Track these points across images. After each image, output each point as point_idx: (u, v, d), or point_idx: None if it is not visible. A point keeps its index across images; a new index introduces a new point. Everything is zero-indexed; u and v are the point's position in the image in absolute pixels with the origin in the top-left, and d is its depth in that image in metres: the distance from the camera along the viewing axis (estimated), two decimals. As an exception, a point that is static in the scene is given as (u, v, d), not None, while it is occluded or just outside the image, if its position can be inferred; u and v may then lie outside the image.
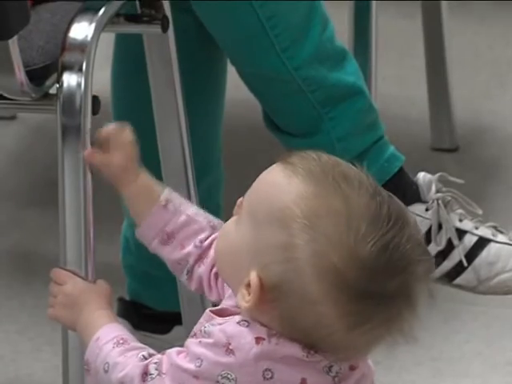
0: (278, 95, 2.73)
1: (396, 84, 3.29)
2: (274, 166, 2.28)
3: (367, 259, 2.16)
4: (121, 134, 2.50)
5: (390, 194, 2.26)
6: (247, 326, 2.22)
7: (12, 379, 2.85)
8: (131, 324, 2.84)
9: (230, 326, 2.24)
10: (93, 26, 2.52)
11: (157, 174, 2.67)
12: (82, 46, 2.51)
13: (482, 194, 3.02)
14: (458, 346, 2.81)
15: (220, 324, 2.25)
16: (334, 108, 2.72)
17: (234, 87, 2.97)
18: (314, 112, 2.66)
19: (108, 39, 2.81)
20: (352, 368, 2.31)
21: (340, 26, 2.88)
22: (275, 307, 2.21)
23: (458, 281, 2.73)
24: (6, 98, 2.53)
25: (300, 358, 2.23)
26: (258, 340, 2.22)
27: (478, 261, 2.74)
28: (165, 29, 2.64)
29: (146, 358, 2.26)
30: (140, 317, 2.83)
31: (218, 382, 2.22)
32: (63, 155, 2.43)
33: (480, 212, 2.73)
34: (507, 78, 3.92)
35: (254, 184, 2.29)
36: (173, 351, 2.26)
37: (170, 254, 2.46)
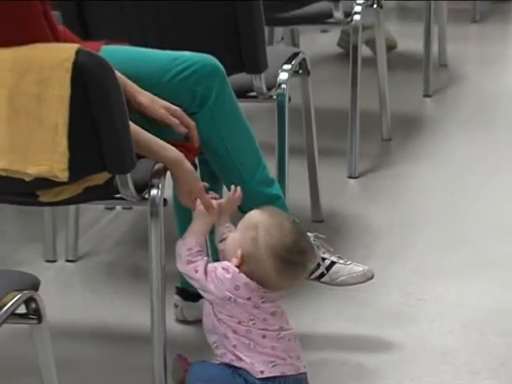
0: (244, 198, 2.48)
1: (299, 193, 3.17)
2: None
3: (287, 245, 2.26)
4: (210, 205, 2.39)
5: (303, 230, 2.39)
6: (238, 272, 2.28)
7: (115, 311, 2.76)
8: (182, 297, 2.74)
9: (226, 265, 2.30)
10: (162, 168, 2.37)
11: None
12: (158, 176, 2.35)
13: (334, 243, 2.92)
14: (316, 306, 2.78)
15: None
16: None
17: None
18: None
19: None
20: (273, 301, 2.33)
21: (272, 168, 2.77)
22: (246, 265, 2.27)
23: (322, 280, 2.67)
24: (125, 199, 2.39)
25: (253, 287, 2.28)
26: (232, 270, 2.29)
27: (331, 271, 2.68)
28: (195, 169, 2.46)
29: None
30: (186, 294, 2.73)
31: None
32: (151, 225, 2.35)
33: (332, 249, 2.69)
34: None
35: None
36: (215, 267, 2.31)
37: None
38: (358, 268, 2.74)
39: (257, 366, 2.28)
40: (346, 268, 2.74)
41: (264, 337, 2.29)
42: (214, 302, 2.30)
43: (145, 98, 2.46)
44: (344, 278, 2.72)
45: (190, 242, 2.33)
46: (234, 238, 2.33)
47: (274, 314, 2.31)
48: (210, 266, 2.31)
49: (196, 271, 2.31)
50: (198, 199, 2.36)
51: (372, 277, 2.74)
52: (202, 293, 2.33)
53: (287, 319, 2.35)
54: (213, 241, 2.52)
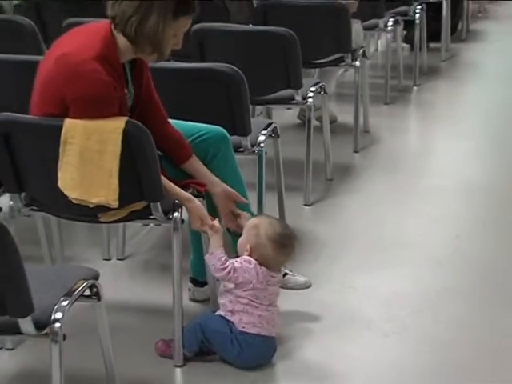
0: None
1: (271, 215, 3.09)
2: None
3: (279, 233, 2.21)
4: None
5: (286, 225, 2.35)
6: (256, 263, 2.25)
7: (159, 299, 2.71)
8: (193, 284, 2.67)
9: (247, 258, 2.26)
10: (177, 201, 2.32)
11: None
12: (178, 205, 2.30)
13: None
14: (286, 301, 2.65)
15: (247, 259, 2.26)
16: None
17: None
18: None
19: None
20: (274, 285, 2.32)
21: (254, 198, 2.77)
22: (254, 253, 2.22)
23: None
24: (156, 219, 2.30)
25: (266, 273, 2.27)
26: (253, 263, 2.26)
27: (284, 279, 2.60)
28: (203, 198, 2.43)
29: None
30: (196, 282, 2.68)
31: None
32: (173, 236, 2.29)
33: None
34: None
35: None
36: (241, 263, 2.26)
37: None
38: (301, 279, 2.73)
39: (242, 323, 2.27)
40: (293, 278, 2.72)
41: (257, 307, 2.28)
42: (237, 285, 2.28)
43: (219, 188, 2.43)
44: (291, 284, 2.71)
45: (217, 254, 2.28)
46: (242, 239, 2.32)
47: (271, 294, 2.31)
48: (236, 263, 2.27)
49: (229, 272, 2.26)
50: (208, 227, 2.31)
51: (310, 286, 2.72)
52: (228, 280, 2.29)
53: (277, 299, 2.36)
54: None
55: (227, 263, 2.27)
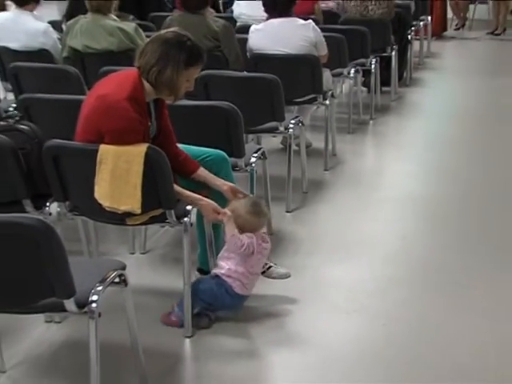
0: None
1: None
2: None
3: (250, 206, 2.20)
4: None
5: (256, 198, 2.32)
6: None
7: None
8: (199, 273, 2.61)
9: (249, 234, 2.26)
10: (190, 208, 2.31)
11: None
12: (187, 212, 2.27)
13: (278, 246, 2.80)
14: (261, 283, 2.63)
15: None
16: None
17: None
18: None
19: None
20: (264, 255, 2.33)
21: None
22: (245, 230, 2.21)
23: (264, 274, 2.55)
24: (170, 223, 2.28)
25: (260, 243, 2.28)
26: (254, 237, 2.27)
27: (268, 271, 2.59)
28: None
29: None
30: (201, 271, 2.63)
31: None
32: (184, 236, 2.26)
33: (269, 260, 2.59)
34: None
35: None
36: (247, 238, 2.25)
37: None
38: (283, 270, 2.69)
39: (235, 286, 2.31)
40: (276, 270, 2.68)
41: (247, 277, 2.32)
42: (244, 256, 2.28)
43: (226, 186, 2.40)
44: (275, 275, 2.67)
45: (237, 235, 2.28)
46: (228, 227, 2.29)
47: (261, 263, 2.35)
48: (246, 238, 2.27)
49: (246, 248, 2.28)
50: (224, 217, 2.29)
51: (290, 276, 2.68)
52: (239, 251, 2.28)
53: (261, 267, 2.40)
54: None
55: (243, 241, 2.30)
